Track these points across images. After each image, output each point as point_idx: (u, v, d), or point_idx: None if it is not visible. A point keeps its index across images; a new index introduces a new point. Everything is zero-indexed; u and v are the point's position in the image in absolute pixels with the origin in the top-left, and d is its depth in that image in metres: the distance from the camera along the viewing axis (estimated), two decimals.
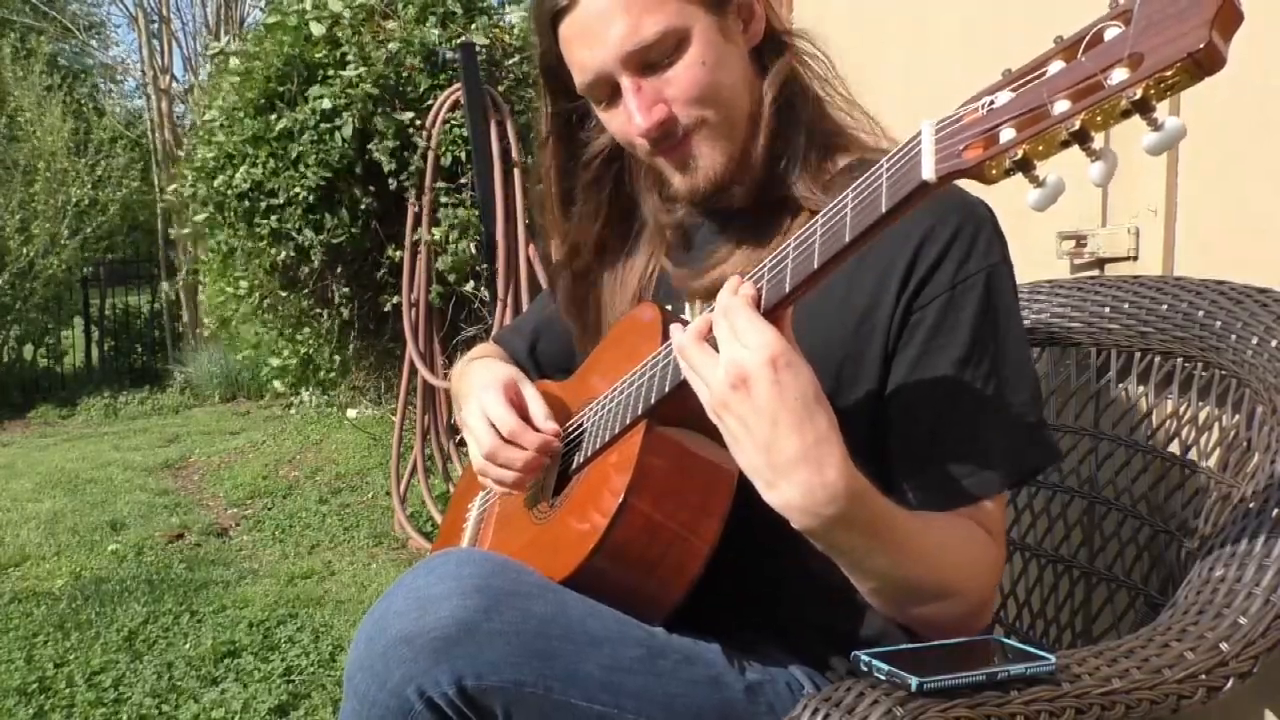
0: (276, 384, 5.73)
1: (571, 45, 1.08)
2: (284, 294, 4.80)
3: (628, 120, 1.07)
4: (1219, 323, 1.22)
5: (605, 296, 1.27)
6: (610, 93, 1.08)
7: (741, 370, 0.85)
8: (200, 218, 4.78)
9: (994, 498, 1.04)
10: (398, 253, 4.24)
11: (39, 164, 8.68)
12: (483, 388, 1.18)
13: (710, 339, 0.90)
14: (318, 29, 4.30)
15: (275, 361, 5.49)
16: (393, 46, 4.29)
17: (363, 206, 4.34)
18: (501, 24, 4.63)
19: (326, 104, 4.18)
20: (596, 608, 0.99)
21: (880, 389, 1.05)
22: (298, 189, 4.25)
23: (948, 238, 1.02)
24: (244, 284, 5.02)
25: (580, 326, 1.31)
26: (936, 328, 1.03)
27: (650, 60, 1.04)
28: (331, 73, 4.27)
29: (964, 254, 1.02)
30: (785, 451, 0.85)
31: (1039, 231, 1.61)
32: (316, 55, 4.32)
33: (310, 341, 5.10)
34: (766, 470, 0.87)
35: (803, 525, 0.88)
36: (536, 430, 1.14)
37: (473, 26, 4.39)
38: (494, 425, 1.15)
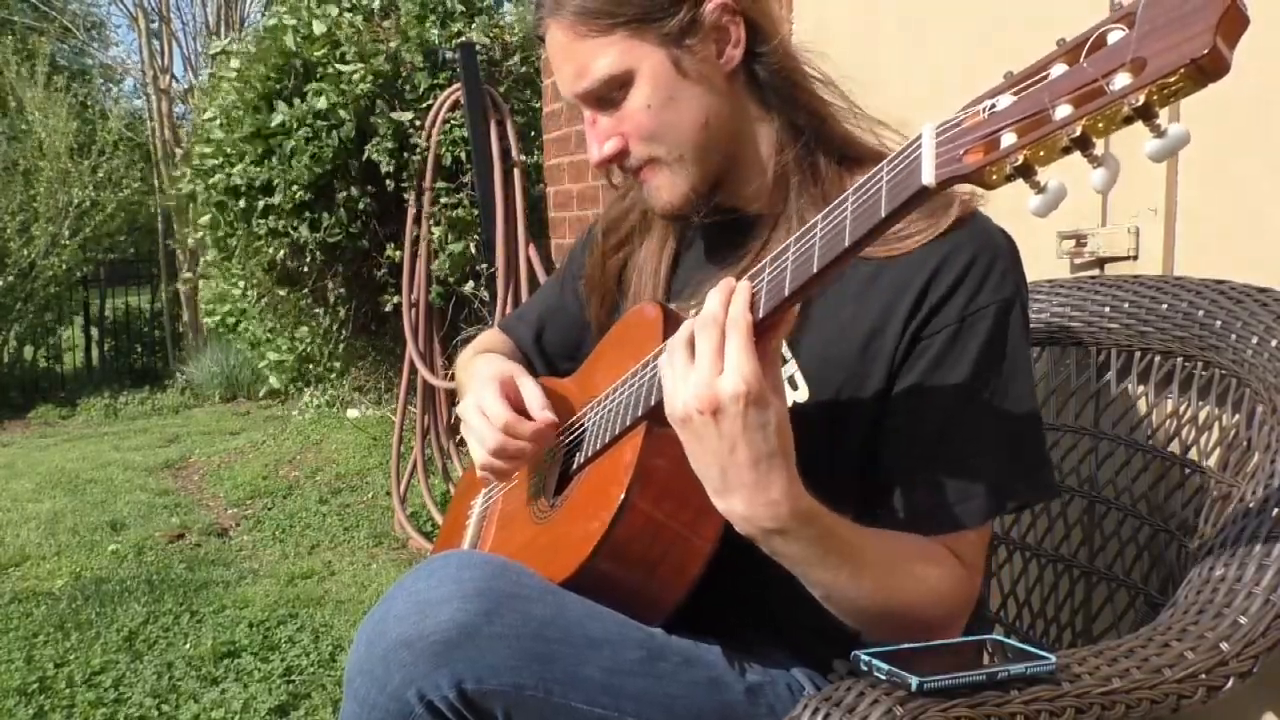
0: (273, 379, 5.72)
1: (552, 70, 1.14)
2: (282, 293, 4.80)
3: (588, 147, 1.13)
4: (1219, 322, 1.22)
5: (629, 272, 1.28)
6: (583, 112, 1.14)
7: (714, 399, 0.86)
8: (204, 220, 4.78)
9: (974, 528, 1.03)
10: (397, 253, 4.25)
11: (42, 165, 8.67)
12: (480, 383, 1.19)
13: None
14: (319, 27, 4.30)
15: (273, 356, 5.49)
16: (392, 44, 4.30)
17: (360, 207, 4.34)
18: (501, 23, 4.63)
19: (323, 103, 4.17)
20: (596, 610, 0.99)
21: (878, 412, 1.05)
22: (293, 186, 4.25)
23: (961, 268, 1.02)
24: (242, 283, 5.02)
25: (598, 301, 1.31)
26: (939, 358, 1.02)
27: (601, 97, 1.09)
28: (330, 70, 4.27)
29: (976, 286, 1.02)
30: (735, 472, 0.88)
31: (1039, 231, 1.61)
32: (316, 54, 4.32)
33: (309, 341, 5.10)
34: (716, 480, 0.89)
35: (742, 531, 0.91)
36: (531, 420, 1.15)
37: (473, 26, 4.39)
38: (489, 419, 1.15)
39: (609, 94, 1.08)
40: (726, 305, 0.88)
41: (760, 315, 0.88)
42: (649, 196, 1.14)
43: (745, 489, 0.88)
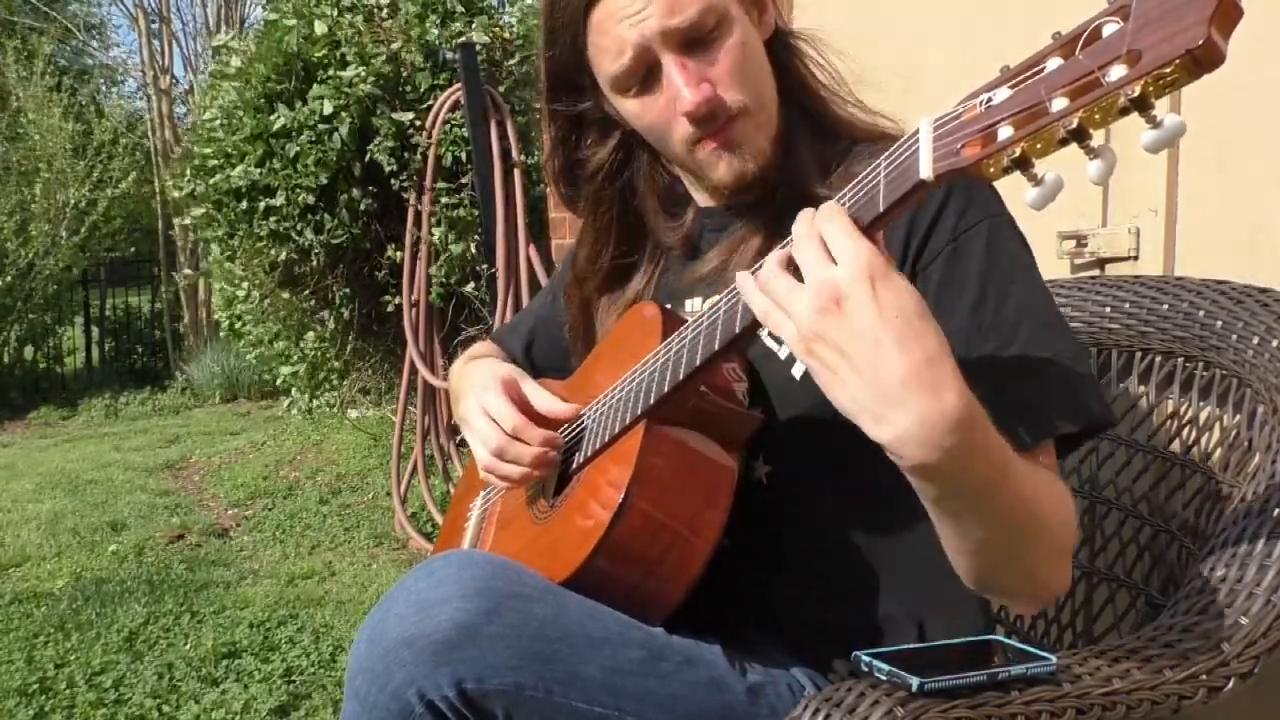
0: (295, 392, 5.75)
1: (607, 27, 1.04)
2: (284, 295, 4.80)
3: (670, 101, 1.04)
4: (1219, 323, 1.21)
5: (599, 322, 1.26)
6: (646, 75, 1.05)
7: (834, 289, 0.76)
8: (198, 212, 4.77)
9: (1045, 444, 0.95)
10: (398, 253, 4.25)
11: (40, 165, 8.68)
12: (482, 386, 1.18)
13: (792, 269, 0.81)
14: (320, 27, 4.30)
15: (286, 369, 5.51)
16: (393, 46, 4.30)
17: (362, 207, 4.34)
18: (501, 24, 4.63)
19: (328, 107, 4.17)
20: (597, 609, 0.99)
21: None
22: (298, 190, 4.25)
23: (943, 194, 1.00)
24: (245, 285, 5.02)
25: (584, 352, 1.30)
26: (944, 283, 0.99)
27: (692, 38, 1.03)
28: (331, 72, 4.27)
29: (962, 206, 1.01)
30: (892, 373, 0.75)
31: (1039, 231, 1.60)
32: (316, 54, 4.32)
33: (314, 345, 5.10)
34: (873, 401, 0.76)
35: (921, 459, 0.77)
36: (542, 422, 1.14)
37: (472, 26, 4.39)
38: (496, 422, 1.14)
39: (703, 32, 1.02)
40: (812, 219, 0.81)
41: None
42: (739, 154, 1.07)
43: (911, 393, 0.75)
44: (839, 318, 0.76)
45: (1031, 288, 1.00)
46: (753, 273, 0.85)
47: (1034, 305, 0.99)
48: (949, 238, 1.00)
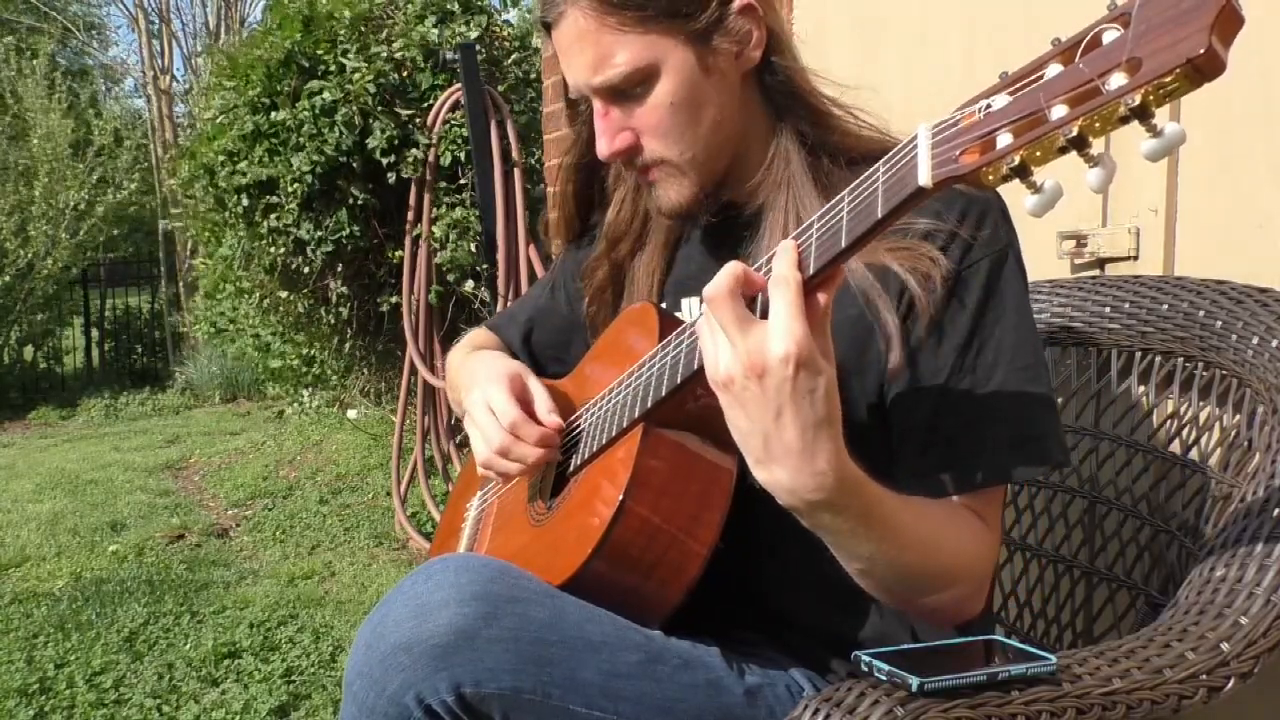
0: (270, 387, 5.71)
1: (559, 57, 1.11)
2: (284, 295, 4.80)
3: (597, 140, 1.10)
4: (1219, 323, 1.22)
5: (631, 277, 1.27)
6: (591, 103, 1.11)
7: (761, 363, 0.81)
8: (203, 223, 4.77)
9: (989, 487, 1.03)
10: (398, 252, 4.25)
11: (39, 166, 8.68)
12: (487, 380, 1.18)
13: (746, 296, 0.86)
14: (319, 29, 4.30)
15: (274, 364, 5.48)
16: (393, 45, 4.29)
17: (361, 203, 4.34)
18: (500, 23, 4.63)
19: (327, 96, 4.17)
20: (595, 612, 0.99)
21: (881, 376, 1.05)
22: (295, 183, 4.24)
23: (955, 222, 1.02)
24: (245, 283, 5.01)
25: (608, 312, 1.30)
26: (935, 319, 1.02)
27: (619, 91, 1.06)
28: (332, 68, 4.27)
29: (969, 239, 1.02)
30: (782, 439, 0.83)
31: (1039, 231, 1.60)
32: (318, 51, 4.32)
33: (312, 342, 5.09)
34: (759, 449, 0.85)
35: (786, 504, 0.87)
36: (539, 424, 1.14)
37: (469, 25, 4.39)
38: (497, 417, 1.15)
39: (629, 88, 1.06)
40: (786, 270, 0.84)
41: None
42: (656, 198, 1.12)
43: (791, 458, 0.83)
44: (755, 383, 0.82)
45: (1018, 329, 1.03)
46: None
47: (1015, 347, 1.03)
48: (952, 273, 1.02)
